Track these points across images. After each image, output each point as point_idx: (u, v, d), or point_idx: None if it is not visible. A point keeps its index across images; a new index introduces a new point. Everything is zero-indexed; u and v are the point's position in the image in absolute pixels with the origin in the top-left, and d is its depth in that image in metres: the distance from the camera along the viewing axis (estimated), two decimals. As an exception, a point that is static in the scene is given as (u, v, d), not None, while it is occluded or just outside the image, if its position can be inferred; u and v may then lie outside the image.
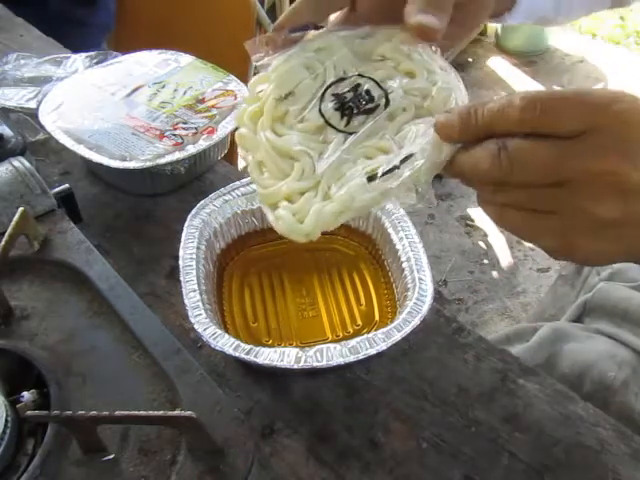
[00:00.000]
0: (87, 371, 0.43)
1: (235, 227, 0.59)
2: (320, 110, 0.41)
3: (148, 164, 0.63)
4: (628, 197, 0.32)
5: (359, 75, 0.41)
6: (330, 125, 0.40)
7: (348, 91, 0.41)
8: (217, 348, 0.45)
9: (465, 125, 0.34)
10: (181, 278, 0.50)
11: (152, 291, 0.58)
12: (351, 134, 0.40)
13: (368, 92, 0.40)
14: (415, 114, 0.39)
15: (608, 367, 0.59)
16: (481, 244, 1.84)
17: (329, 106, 0.41)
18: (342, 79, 0.41)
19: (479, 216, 1.91)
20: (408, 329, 0.46)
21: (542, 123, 0.32)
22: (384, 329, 0.47)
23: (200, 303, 0.48)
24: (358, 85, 0.41)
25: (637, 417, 0.56)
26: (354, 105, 0.40)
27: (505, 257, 1.81)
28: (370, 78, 0.41)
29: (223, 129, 0.67)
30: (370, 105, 0.40)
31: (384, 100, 0.40)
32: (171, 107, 0.71)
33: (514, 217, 0.35)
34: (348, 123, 0.40)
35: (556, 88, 2.58)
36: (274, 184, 0.40)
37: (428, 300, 0.49)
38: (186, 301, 0.48)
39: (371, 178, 0.37)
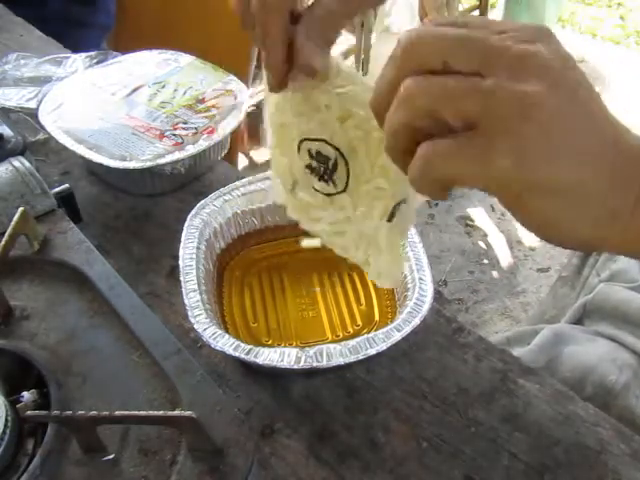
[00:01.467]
0: (87, 371, 0.43)
1: (235, 227, 0.59)
2: (314, 188, 0.42)
3: (148, 164, 0.63)
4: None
5: (304, 139, 0.41)
6: (329, 195, 0.41)
7: (310, 159, 0.41)
8: (217, 348, 0.45)
9: (380, 94, 0.32)
10: (181, 278, 0.50)
11: (152, 291, 0.58)
12: (345, 191, 0.40)
13: (319, 153, 0.40)
14: (366, 138, 0.38)
15: (609, 370, 0.59)
16: (481, 244, 1.84)
17: (315, 180, 0.41)
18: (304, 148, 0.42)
19: (479, 216, 1.91)
20: (408, 329, 0.46)
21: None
22: (384, 329, 0.47)
23: (200, 303, 0.48)
24: (309, 150, 0.41)
25: (638, 420, 0.56)
26: (323, 169, 0.41)
27: (505, 257, 1.81)
28: (312, 139, 0.40)
29: (223, 129, 0.67)
30: (329, 163, 0.40)
31: (334, 152, 0.40)
32: (171, 107, 0.71)
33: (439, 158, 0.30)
34: (335, 184, 0.41)
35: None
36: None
37: (428, 300, 0.49)
38: (186, 301, 0.48)
39: (389, 219, 0.39)
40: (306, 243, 0.48)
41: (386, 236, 0.40)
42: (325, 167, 0.41)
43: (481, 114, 0.29)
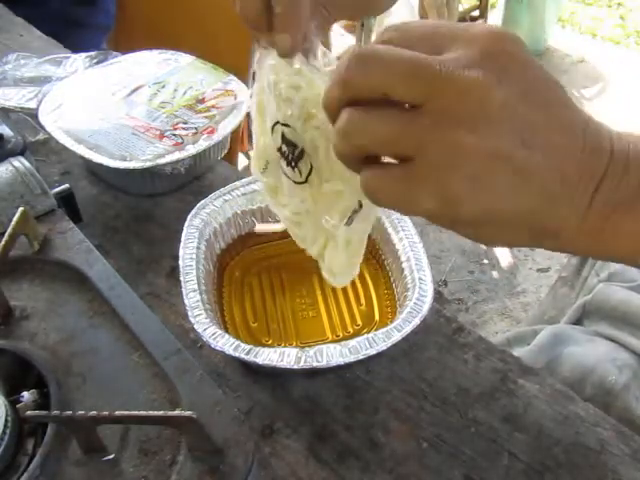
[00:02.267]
0: (87, 371, 0.43)
1: (235, 227, 0.59)
2: (284, 173, 0.41)
3: (148, 164, 0.63)
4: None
5: (277, 122, 0.40)
6: (295, 182, 0.41)
7: (281, 143, 0.41)
8: (217, 348, 0.45)
9: (326, 107, 0.33)
10: (181, 278, 0.50)
11: (152, 291, 0.58)
12: (307, 182, 0.40)
13: (288, 139, 0.40)
14: (326, 141, 0.38)
15: (608, 371, 0.59)
16: (481, 244, 1.84)
17: (284, 164, 0.41)
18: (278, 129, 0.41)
19: (479, 216, 1.91)
20: (408, 329, 0.46)
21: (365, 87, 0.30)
22: (384, 329, 0.47)
23: (200, 303, 0.48)
24: (282, 133, 0.40)
25: (638, 421, 0.56)
26: (290, 155, 0.40)
27: (505, 257, 1.81)
28: (283, 124, 0.40)
29: (223, 129, 0.67)
30: (296, 150, 0.40)
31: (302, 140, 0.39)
32: (171, 107, 0.71)
33: (378, 182, 0.31)
34: (300, 172, 0.40)
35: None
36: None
37: (428, 300, 0.49)
38: (186, 301, 0.48)
39: (348, 223, 0.39)
40: (259, 228, 0.48)
41: (344, 238, 0.40)
42: (292, 153, 0.40)
43: (415, 155, 0.30)
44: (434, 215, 0.31)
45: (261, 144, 0.43)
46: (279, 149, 0.41)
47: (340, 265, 0.43)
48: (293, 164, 0.40)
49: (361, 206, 0.39)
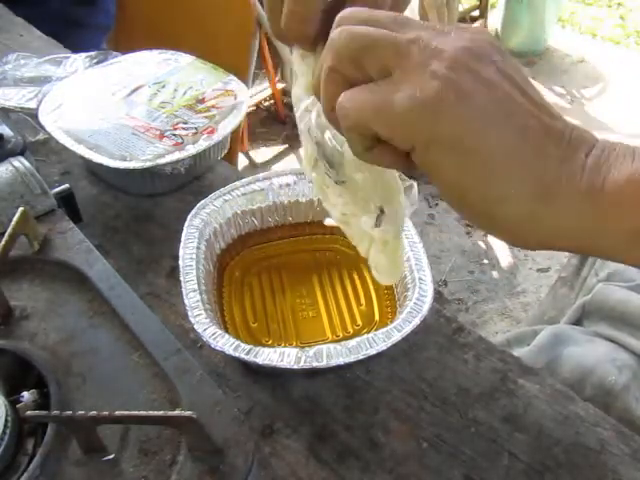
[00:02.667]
0: (87, 371, 0.43)
1: (235, 227, 0.59)
2: (326, 171, 0.41)
3: (148, 164, 0.63)
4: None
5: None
6: (336, 182, 0.41)
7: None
8: (217, 348, 0.45)
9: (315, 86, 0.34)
10: (181, 278, 0.50)
11: (152, 291, 0.58)
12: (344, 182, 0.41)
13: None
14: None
15: (608, 371, 0.59)
16: (481, 244, 1.85)
17: (325, 163, 0.41)
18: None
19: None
20: (408, 329, 0.46)
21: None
22: (384, 329, 0.47)
23: (200, 303, 0.48)
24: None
25: (638, 421, 0.56)
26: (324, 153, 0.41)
27: (505, 257, 1.81)
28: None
29: (223, 129, 0.67)
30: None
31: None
32: (171, 107, 0.71)
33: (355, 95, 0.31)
34: (337, 172, 0.40)
35: (556, 88, 2.59)
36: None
37: (428, 300, 0.49)
38: (186, 301, 0.48)
39: (377, 224, 0.40)
40: (328, 222, 0.47)
41: (379, 238, 0.40)
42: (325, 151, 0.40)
43: (394, 65, 0.30)
44: (411, 121, 0.30)
45: (307, 140, 0.43)
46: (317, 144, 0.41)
47: (383, 265, 0.42)
48: (329, 163, 0.40)
49: (383, 212, 0.39)
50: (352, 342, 0.45)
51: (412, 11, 2.17)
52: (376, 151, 0.33)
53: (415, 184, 0.51)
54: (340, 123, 0.32)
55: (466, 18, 2.84)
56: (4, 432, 0.37)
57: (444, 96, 0.29)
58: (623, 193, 0.28)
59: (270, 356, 0.45)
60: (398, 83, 0.30)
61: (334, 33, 0.32)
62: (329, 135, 0.39)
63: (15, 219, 0.48)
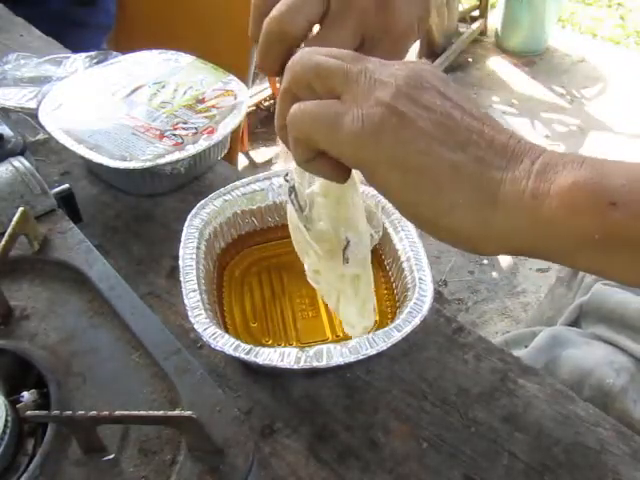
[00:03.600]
0: (87, 371, 0.43)
1: (235, 227, 0.59)
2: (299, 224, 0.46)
3: (148, 164, 0.63)
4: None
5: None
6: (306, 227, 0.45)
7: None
8: (217, 348, 0.45)
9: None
10: (181, 278, 0.50)
11: (152, 291, 0.58)
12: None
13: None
14: None
15: (606, 374, 0.59)
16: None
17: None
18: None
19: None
20: (408, 329, 0.46)
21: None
22: (384, 329, 0.47)
23: (200, 303, 0.48)
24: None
25: (636, 424, 0.56)
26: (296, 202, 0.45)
27: (505, 257, 1.81)
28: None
29: (223, 129, 0.67)
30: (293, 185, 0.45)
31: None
32: (171, 107, 0.71)
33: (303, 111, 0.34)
34: (302, 210, 0.44)
35: (556, 88, 2.59)
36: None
37: (428, 300, 0.49)
38: (186, 301, 0.48)
39: (344, 261, 0.44)
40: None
41: (350, 276, 0.44)
42: (291, 190, 0.44)
43: (343, 90, 0.33)
44: (357, 144, 0.32)
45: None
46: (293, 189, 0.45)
47: (353, 316, 0.46)
48: (301, 208, 0.44)
49: (348, 242, 0.42)
50: (352, 342, 0.45)
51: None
52: (317, 162, 0.35)
53: (379, 209, 0.54)
54: (289, 133, 0.35)
55: (466, 18, 2.84)
56: (4, 432, 0.37)
57: (387, 121, 0.31)
58: (569, 197, 0.29)
59: (270, 356, 0.45)
60: (346, 106, 0.32)
61: (294, 57, 0.35)
62: (299, 181, 0.43)
63: (15, 219, 0.48)
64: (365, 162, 0.33)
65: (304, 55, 0.35)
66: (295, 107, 0.34)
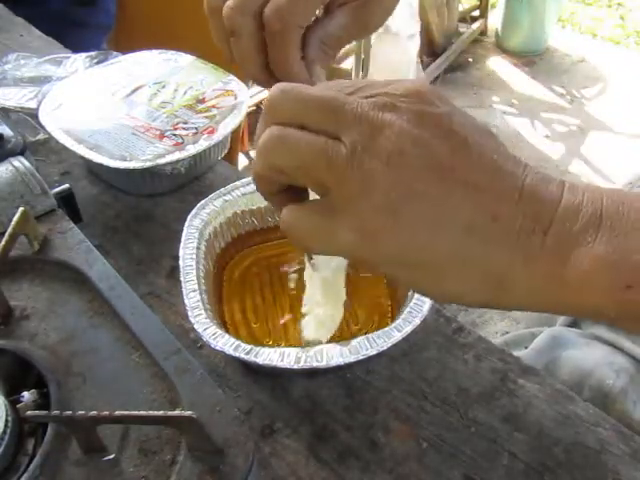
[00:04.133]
0: (87, 371, 0.43)
1: (235, 227, 0.59)
2: None
3: (148, 164, 0.63)
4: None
5: None
6: None
7: None
8: (217, 348, 0.45)
9: (257, 133, 0.33)
10: (181, 278, 0.50)
11: (152, 291, 0.58)
12: None
13: None
14: None
15: (606, 374, 0.59)
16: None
17: None
18: None
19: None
20: (408, 329, 0.46)
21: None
22: (384, 329, 0.47)
23: (200, 303, 0.48)
24: None
25: (636, 425, 0.56)
26: None
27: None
28: None
29: (223, 129, 0.67)
30: None
31: None
32: (171, 107, 0.71)
33: (295, 218, 0.32)
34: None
35: (556, 88, 2.59)
36: None
37: (428, 300, 0.49)
38: (186, 301, 0.48)
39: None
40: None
41: (318, 286, 0.44)
42: None
43: (331, 186, 0.30)
44: (355, 251, 0.30)
45: None
46: None
47: (313, 321, 0.46)
48: None
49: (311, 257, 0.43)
50: (352, 342, 0.45)
51: (412, 11, 2.17)
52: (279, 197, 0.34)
53: None
54: (287, 237, 0.33)
55: (466, 18, 2.84)
56: (4, 432, 0.37)
57: (383, 226, 0.29)
58: (584, 281, 0.28)
59: (270, 356, 0.45)
60: (339, 210, 0.30)
61: (262, 139, 0.31)
62: None
63: (15, 219, 0.48)
64: (365, 263, 0.31)
65: (276, 139, 0.31)
66: (287, 215, 0.32)
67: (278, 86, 0.32)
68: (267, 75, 0.40)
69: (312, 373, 0.51)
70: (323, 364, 0.44)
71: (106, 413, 0.36)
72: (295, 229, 0.31)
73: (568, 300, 0.29)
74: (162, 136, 0.66)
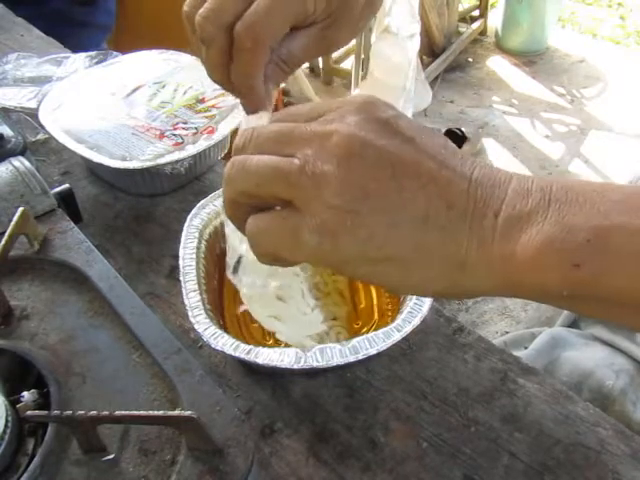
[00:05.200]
0: (87, 371, 0.43)
1: (235, 227, 0.59)
2: None
3: (148, 164, 0.63)
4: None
5: None
6: None
7: None
8: (217, 348, 0.45)
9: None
10: (181, 278, 0.50)
11: (152, 291, 0.58)
12: None
13: None
14: None
15: (606, 375, 0.59)
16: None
17: None
18: None
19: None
20: (408, 329, 0.46)
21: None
22: (384, 329, 0.47)
23: (200, 303, 0.48)
24: None
25: (635, 425, 0.56)
26: None
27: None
28: None
29: (223, 129, 0.67)
30: None
31: None
32: (171, 107, 0.71)
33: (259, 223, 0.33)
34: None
35: (556, 88, 2.59)
36: None
37: (428, 300, 0.49)
38: (186, 301, 0.48)
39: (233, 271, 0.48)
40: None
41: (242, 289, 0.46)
42: None
43: (289, 196, 0.31)
44: (319, 253, 0.31)
45: None
46: None
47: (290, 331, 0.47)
48: None
49: (239, 260, 0.44)
50: (352, 342, 0.45)
51: (412, 11, 2.16)
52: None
53: None
54: (251, 247, 0.34)
55: (466, 18, 2.84)
56: (4, 432, 0.37)
57: (341, 226, 0.30)
58: (534, 260, 0.29)
59: (270, 356, 0.45)
60: (299, 215, 0.31)
61: (227, 169, 0.34)
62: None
63: (15, 219, 0.48)
64: (330, 265, 0.32)
65: (237, 166, 0.33)
66: (252, 224, 0.33)
67: (231, 161, 0.35)
68: (231, 84, 0.40)
69: (312, 373, 0.51)
70: (323, 364, 0.44)
71: (106, 413, 0.36)
72: (260, 234, 0.32)
73: (524, 281, 0.29)
74: (162, 136, 0.66)
